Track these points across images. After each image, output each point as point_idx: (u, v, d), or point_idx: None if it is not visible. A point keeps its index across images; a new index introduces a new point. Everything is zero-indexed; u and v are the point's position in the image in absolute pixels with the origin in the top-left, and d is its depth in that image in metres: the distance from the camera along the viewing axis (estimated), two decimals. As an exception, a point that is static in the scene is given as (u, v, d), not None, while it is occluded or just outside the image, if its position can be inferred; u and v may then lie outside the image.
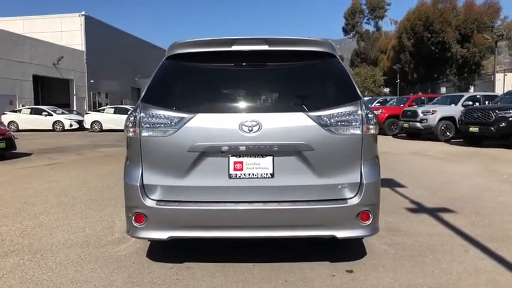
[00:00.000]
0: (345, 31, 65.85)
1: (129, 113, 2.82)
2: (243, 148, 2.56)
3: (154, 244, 3.29)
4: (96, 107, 31.76)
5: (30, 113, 22.06)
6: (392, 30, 59.31)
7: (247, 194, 2.61)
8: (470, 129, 11.17)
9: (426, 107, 13.98)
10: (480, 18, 34.39)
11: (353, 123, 2.61)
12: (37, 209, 4.61)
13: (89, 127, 21.06)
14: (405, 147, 11.53)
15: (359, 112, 2.62)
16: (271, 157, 2.59)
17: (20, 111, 22.38)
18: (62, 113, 22.57)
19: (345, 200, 2.62)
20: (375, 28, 64.38)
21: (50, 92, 31.36)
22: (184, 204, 2.62)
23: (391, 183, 5.78)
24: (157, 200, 2.63)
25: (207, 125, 2.58)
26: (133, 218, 2.64)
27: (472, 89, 34.87)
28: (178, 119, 2.59)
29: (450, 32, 34.93)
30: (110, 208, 4.63)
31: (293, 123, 2.58)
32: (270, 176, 2.60)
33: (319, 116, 2.58)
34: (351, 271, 2.81)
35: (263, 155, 2.59)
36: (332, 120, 2.59)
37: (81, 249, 3.29)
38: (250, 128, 2.54)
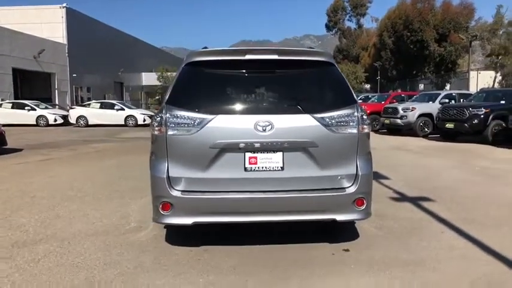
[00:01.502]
0: (328, 28, 66.78)
1: (155, 113, 3.17)
2: (257, 145, 2.97)
3: (171, 231, 3.66)
4: (78, 101, 31.40)
5: (12, 108, 21.63)
6: (374, 27, 60.55)
7: (261, 185, 3.03)
8: (447, 125, 11.98)
9: (406, 104, 14.67)
10: (456, 18, 35.69)
11: (350, 124, 3.05)
12: (48, 202, 4.88)
13: (75, 122, 20.91)
14: (387, 142, 12.19)
15: (355, 114, 3.07)
16: (282, 153, 3.01)
17: (0, 105, 21.97)
18: (46, 108, 22.29)
19: (343, 188, 3.08)
20: (357, 25, 65.59)
21: (30, 86, 30.74)
22: (205, 194, 3.01)
23: (376, 176, 6.29)
24: (182, 191, 3.02)
25: (226, 124, 2.98)
26: (160, 206, 3.02)
27: (448, 86, 36.29)
28: (200, 120, 2.97)
29: (428, 31, 36.11)
30: (118, 200, 4.96)
31: (300, 124, 3.01)
32: (280, 169, 3.02)
33: (322, 117, 3.02)
34: (347, 250, 3.28)
35: (274, 151, 3.01)
36: (333, 121, 3.03)
37: (104, 237, 3.62)
38: (264, 128, 2.95)
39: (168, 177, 3.01)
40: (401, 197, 5.05)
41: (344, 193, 3.06)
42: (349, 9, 64.90)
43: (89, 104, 22.99)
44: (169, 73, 35.55)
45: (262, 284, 2.74)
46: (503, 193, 5.28)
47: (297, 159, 3.03)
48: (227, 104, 3.14)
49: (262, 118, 2.97)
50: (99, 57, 35.22)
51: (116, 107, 21.47)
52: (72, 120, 21.06)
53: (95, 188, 5.71)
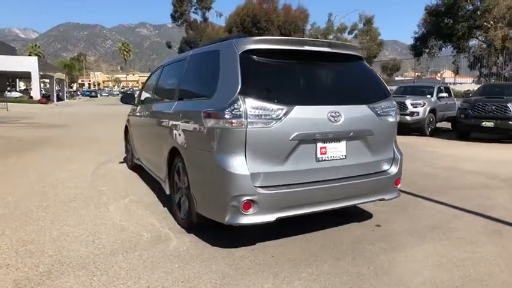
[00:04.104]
0: (174, 18, 65.61)
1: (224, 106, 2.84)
2: (330, 135, 3.08)
3: (204, 236, 3.36)
4: None
5: None
6: (219, 22, 62.93)
7: (329, 174, 3.15)
8: (484, 123, 10.26)
9: (414, 99, 12.27)
10: (295, 21, 40.64)
11: (391, 113, 3.47)
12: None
13: None
14: (426, 153, 9.44)
15: (393, 103, 3.50)
16: (345, 141, 3.20)
17: None
18: None
19: (387, 171, 3.48)
20: (203, 18, 66.82)
21: None
22: (284, 188, 2.95)
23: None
24: (263, 186, 2.86)
25: (303, 115, 2.97)
26: (242, 205, 2.79)
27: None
28: (280, 111, 2.87)
29: (273, 30, 39.94)
30: (90, 209, 4.14)
31: (361, 113, 3.26)
32: (344, 157, 3.20)
33: (373, 107, 3.34)
34: (379, 225, 3.72)
35: (339, 140, 3.17)
36: (382, 111, 3.39)
37: (133, 254, 3.06)
38: (335, 118, 3.08)
39: (249, 173, 2.80)
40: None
41: (389, 175, 3.47)
42: (195, 1, 65.59)
43: None
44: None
45: (358, 259, 2.94)
46: None
47: (356, 147, 3.27)
48: (300, 95, 3.12)
49: (334, 108, 3.08)
50: None
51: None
52: None
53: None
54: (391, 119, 3.47)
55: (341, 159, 3.19)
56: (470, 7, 24.24)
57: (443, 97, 13.14)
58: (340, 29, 40.90)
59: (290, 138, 2.92)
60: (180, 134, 3.50)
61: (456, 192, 5.04)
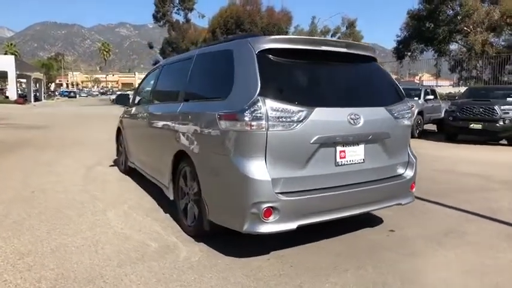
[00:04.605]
0: (156, 19, 64.58)
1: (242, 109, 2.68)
2: (350, 138, 2.95)
3: (214, 245, 3.19)
4: None
5: None
6: (201, 24, 62.47)
7: (348, 178, 3.03)
8: (472, 126, 10.34)
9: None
10: (279, 23, 40.68)
11: (406, 115, 3.38)
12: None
13: None
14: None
15: (408, 106, 3.42)
16: (363, 145, 3.08)
17: None
18: None
19: (402, 175, 3.39)
20: (185, 19, 66.13)
21: None
22: (305, 194, 2.80)
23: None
24: (282, 193, 2.71)
25: (323, 117, 2.83)
26: (262, 213, 2.63)
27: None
28: (301, 113, 2.73)
29: (257, 32, 39.91)
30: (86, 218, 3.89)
31: (379, 116, 3.15)
32: (362, 161, 3.09)
33: (390, 109, 3.24)
34: (392, 230, 3.62)
35: (358, 143, 3.05)
36: (398, 113, 3.29)
37: (143, 265, 2.85)
38: (355, 121, 2.96)
39: (270, 179, 2.64)
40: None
41: (405, 179, 3.38)
42: (177, 1, 64.88)
43: None
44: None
45: (380, 267, 2.84)
46: None
47: (374, 150, 3.16)
48: (319, 96, 2.98)
49: (353, 111, 2.96)
50: None
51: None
52: None
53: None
54: (406, 122, 3.38)
55: (359, 163, 3.08)
56: (451, 12, 24.77)
57: (430, 99, 13.41)
58: (324, 31, 41.23)
59: (311, 142, 2.78)
60: (188, 137, 3.31)
61: (459, 195, 5.01)
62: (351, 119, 2.94)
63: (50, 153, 7.93)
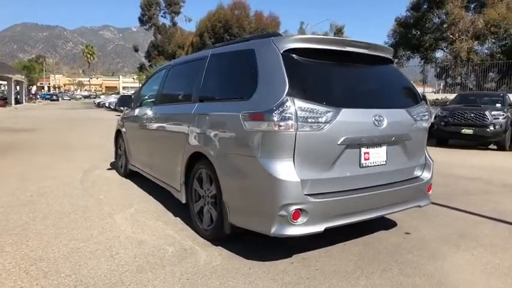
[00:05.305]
0: (141, 22, 64.26)
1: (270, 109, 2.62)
2: (375, 139, 2.93)
3: (232, 248, 3.12)
4: None
5: None
6: (188, 28, 62.30)
7: (372, 180, 3.01)
8: (463, 131, 10.55)
9: None
10: (267, 28, 40.87)
11: (424, 118, 3.39)
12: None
13: None
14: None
15: (426, 109, 3.43)
16: (385, 146, 3.07)
17: None
18: None
19: (420, 177, 3.39)
20: (171, 23, 65.82)
21: None
22: (332, 195, 2.76)
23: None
24: (310, 194, 2.66)
25: (350, 118, 2.81)
26: (291, 215, 2.57)
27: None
28: (329, 113, 2.70)
29: (247, 36, 40.02)
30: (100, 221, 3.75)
31: (401, 118, 3.14)
32: (384, 163, 3.07)
33: (410, 111, 3.24)
34: (408, 233, 3.61)
35: (381, 145, 3.03)
36: (417, 116, 3.29)
37: (163, 270, 2.75)
38: (380, 122, 2.94)
39: (300, 180, 2.59)
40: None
41: (422, 181, 3.37)
42: (164, 5, 64.52)
43: None
44: None
45: (405, 269, 2.81)
46: None
47: (395, 152, 3.15)
48: (345, 97, 2.95)
49: (378, 112, 2.95)
50: None
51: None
52: None
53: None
54: (425, 124, 3.39)
55: (382, 165, 3.06)
56: (438, 20, 25.39)
57: None
58: (311, 37, 41.63)
59: (338, 143, 2.74)
60: (206, 138, 3.23)
61: (464, 198, 5.06)
62: (376, 120, 2.92)
63: (44, 157, 7.67)
